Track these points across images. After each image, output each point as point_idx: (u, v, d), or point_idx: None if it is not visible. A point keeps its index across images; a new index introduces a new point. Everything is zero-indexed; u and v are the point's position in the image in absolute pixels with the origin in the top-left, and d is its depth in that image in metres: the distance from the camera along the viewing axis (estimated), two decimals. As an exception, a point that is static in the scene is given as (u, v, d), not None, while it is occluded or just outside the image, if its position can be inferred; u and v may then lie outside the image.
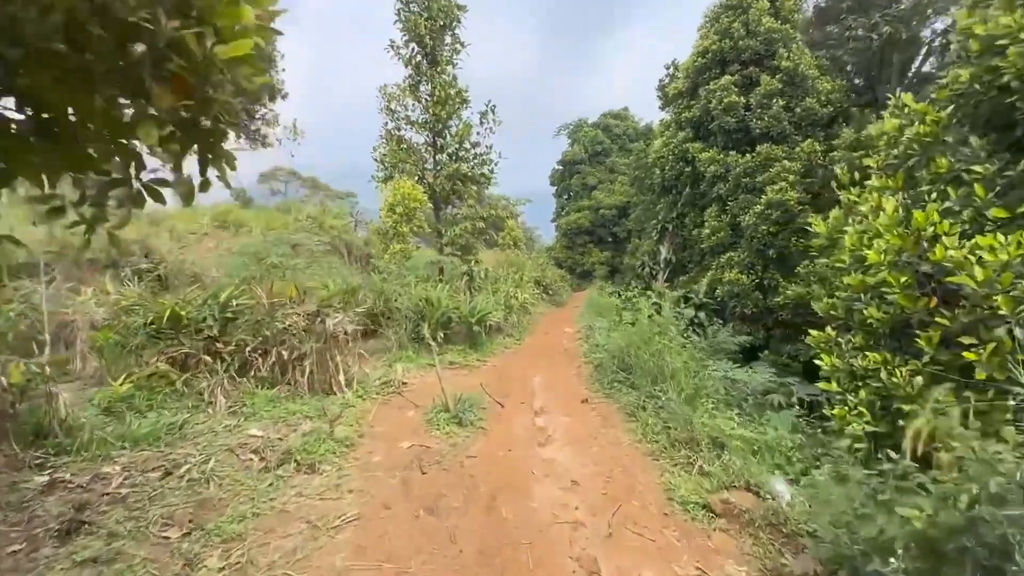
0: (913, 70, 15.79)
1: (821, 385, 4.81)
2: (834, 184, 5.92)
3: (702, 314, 9.34)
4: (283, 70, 24.06)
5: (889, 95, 5.67)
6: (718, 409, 6.09)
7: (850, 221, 5.11)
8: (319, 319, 6.47)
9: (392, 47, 15.41)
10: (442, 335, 9.10)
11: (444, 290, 10.06)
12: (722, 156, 15.58)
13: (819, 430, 5.43)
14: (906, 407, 3.87)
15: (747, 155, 14.93)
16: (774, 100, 14.49)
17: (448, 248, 15.53)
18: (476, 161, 16.03)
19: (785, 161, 14.24)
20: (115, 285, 7.40)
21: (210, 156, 2.33)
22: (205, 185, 2.44)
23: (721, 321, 11.44)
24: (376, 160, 15.43)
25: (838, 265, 5.24)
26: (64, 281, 7.19)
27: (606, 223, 40.67)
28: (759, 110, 14.72)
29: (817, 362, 4.92)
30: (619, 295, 18.80)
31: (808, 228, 6.26)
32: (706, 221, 16.24)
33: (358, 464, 4.78)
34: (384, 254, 11.83)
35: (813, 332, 5.13)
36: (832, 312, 5.15)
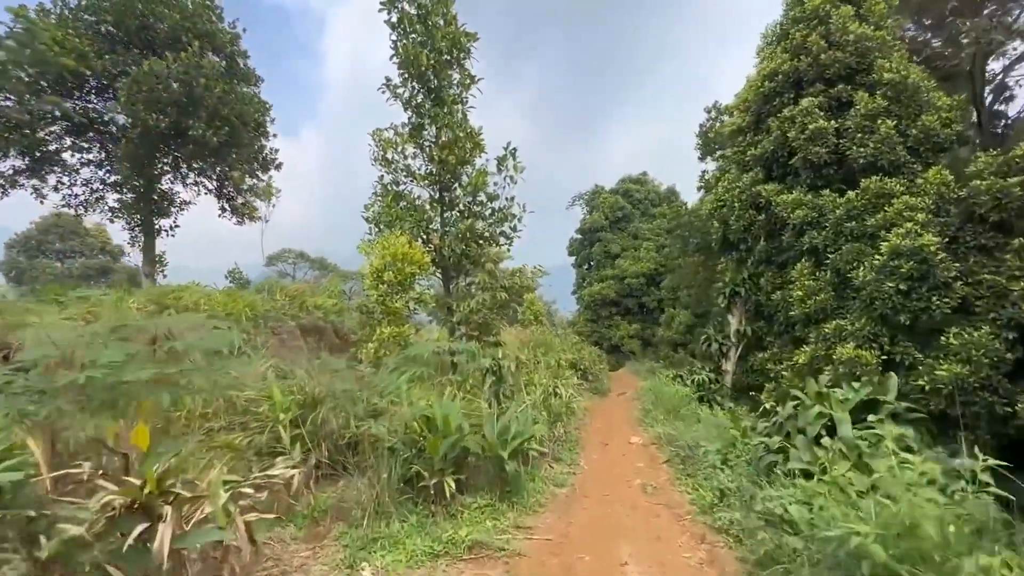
0: None
1: None
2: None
3: (909, 431, 5.37)
4: (274, 135, 21.79)
5: None
6: None
7: None
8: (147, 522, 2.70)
9: (388, 87, 12.57)
10: (453, 481, 5.20)
11: (456, 398, 6.25)
12: (811, 197, 12.09)
13: None
14: None
15: (848, 194, 11.43)
16: (879, 121, 11.17)
17: (461, 327, 11.90)
18: (495, 218, 12.71)
19: (906, 196, 10.69)
20: None
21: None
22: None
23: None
24: (368, 221, 12.17)
25: None
26: None
27: (633, 292, 37.25)
28: (860, 135, 11.36)
29: None
30: (682, 379, 14.75)
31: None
32: (794, 281, 12.49)
33: None
34: (369, 341, 8.21)
35: None
36: None
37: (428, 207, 12.69)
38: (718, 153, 18.64)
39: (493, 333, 12.51)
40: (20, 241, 37.12)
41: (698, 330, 26.31)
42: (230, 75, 19.47)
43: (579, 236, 42.12)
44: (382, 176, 12.76)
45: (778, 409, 6.31)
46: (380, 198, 12.30)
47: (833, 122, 11.83)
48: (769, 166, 13.51)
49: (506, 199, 12.69)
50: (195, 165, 18.66)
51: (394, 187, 12.75)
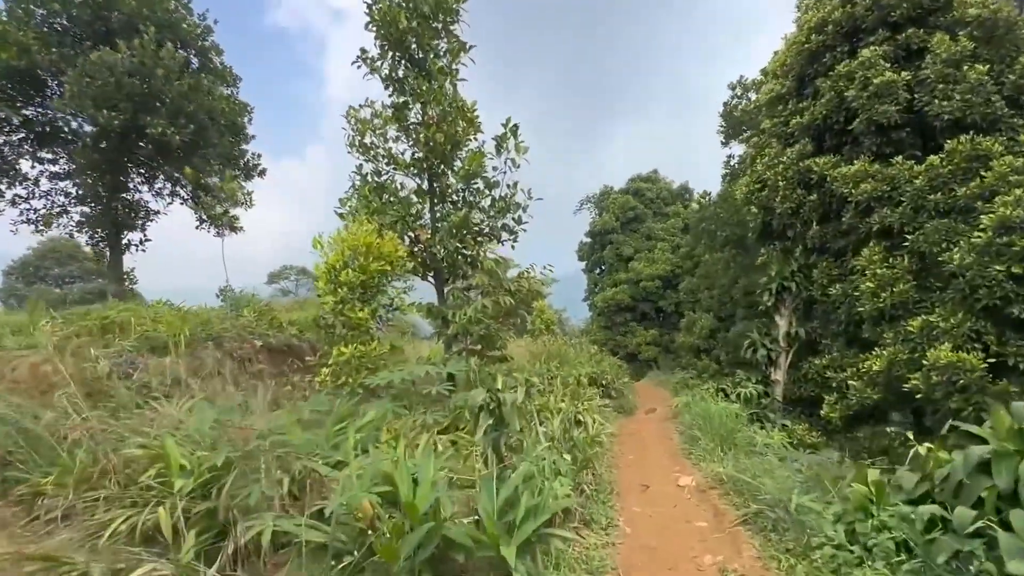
0: None
1: None
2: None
3: None
4: (253, 137, 19.94)
5: None
6: None
7: None
8: None
9: (363, 59, 10.59)
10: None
11: (438, 450, 4.12)
12: (879, 168, 9.91)
13: None
14: None
15: (929, 159, 9.24)
16: (965, 68, 9.00)
17: (458, 342, 9.80)
18: (495, 208, 10.62)
19: (1008, 157, 8.50)
20: None
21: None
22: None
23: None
24: (343, 218, 10.10)
25: None
26: None
27: (649, 296, 35.14)
28: (941, 86, 9.19)
29: None
30: (725, 392, 12.49)
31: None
32: (860, 270, 10.27)
33: None
34: (327, 363, 6.09)
35: None
36: None
37: (415, 198, 10.64)
38: (747, 134, 16.49)
39: (498, 347, 10.40)
40: (18, 267, 36.06)
41: (721, 335, 24.02)
42: (201, 71, 17.67)
43: (589, 239, 40.08)
44: (360, 165, 10.72)
45: (943, 455, 4.08)
46: (357, 190, 10.27)
47: (904, 73, 9.67)
48: (820, 135, 11.34)
49: (508, 186, 10.61)
50: (161, 169, 16.69)
51: (375, 177, 10.71)
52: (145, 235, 18.45)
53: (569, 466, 5.18)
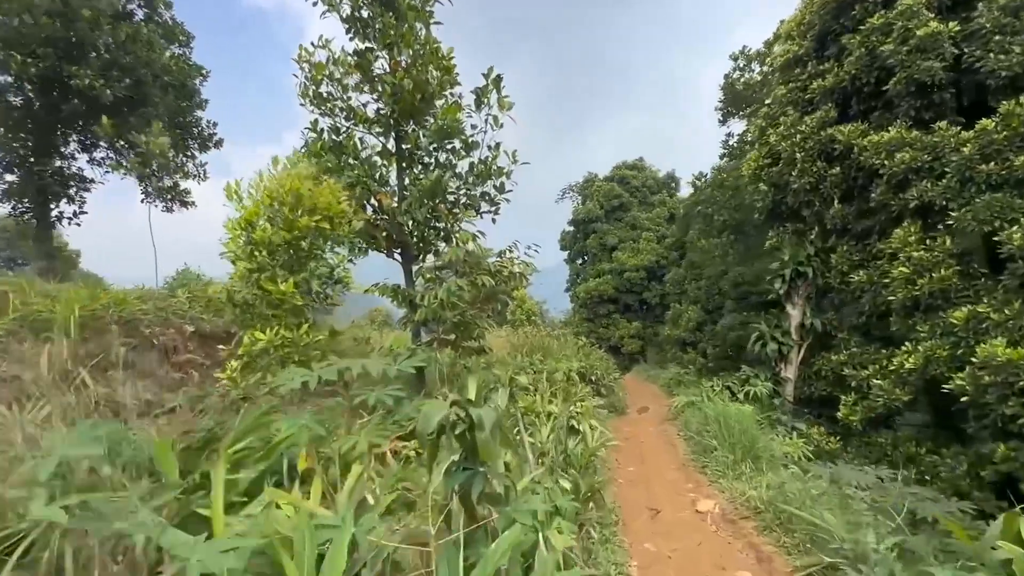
0: None
1: None
2: None
3: None
4: (206, 101, 17.96)
5: None
6: None
7: None
8: None
9: (319, -7, 8.85)
10: None
11: (351, 512, 2.56)
12: (918, 134, 8.59)
13: None
14: None
15: (981, 122, 7.93)
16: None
17: (430, 330, 8.26)
18: (473, 173, 9.03)
19: (1078, 121, 7.23)
20: None
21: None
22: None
23: None
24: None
25: None
26: None
27: (634, 288, 33.94)
28: (997, 37, 7.87)
29: None
30: (731, 391, 11.14)
31: None
32: (888, 254, 8.98)
33: None
34: (238, 353, 4.44)
35: None
36: None
37: (380, 160, 8.99)
38: (750, 108, 15.13)
39: (475, 336, 8.88)
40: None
41: (709, 327, 22.87)
42: (148, 23, 15.65)
43: (572, 228, 38.69)
44: (315, 121, 8.99)
45: None
46: (308, 147, 8.58)
47: (952, 24, 8.34)
48: (845, 100, 9.99)
49: (488, 148, 9.01)
50: (90, 130, 14.58)
51: (333, 135, 9.01)
52: (80, 207, 16.40)
53: (569, 501, 3.67)
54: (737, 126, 16.67)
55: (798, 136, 10.33)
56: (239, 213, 4.63)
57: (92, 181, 16.02)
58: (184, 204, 18.41)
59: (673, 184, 38.23)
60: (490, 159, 8.95)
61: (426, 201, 8.58)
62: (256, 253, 4.53)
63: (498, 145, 8.93)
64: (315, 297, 4.94)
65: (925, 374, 8.45)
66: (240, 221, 4.60)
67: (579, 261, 38.40)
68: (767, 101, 11.57)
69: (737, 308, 18.35)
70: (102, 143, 15.94)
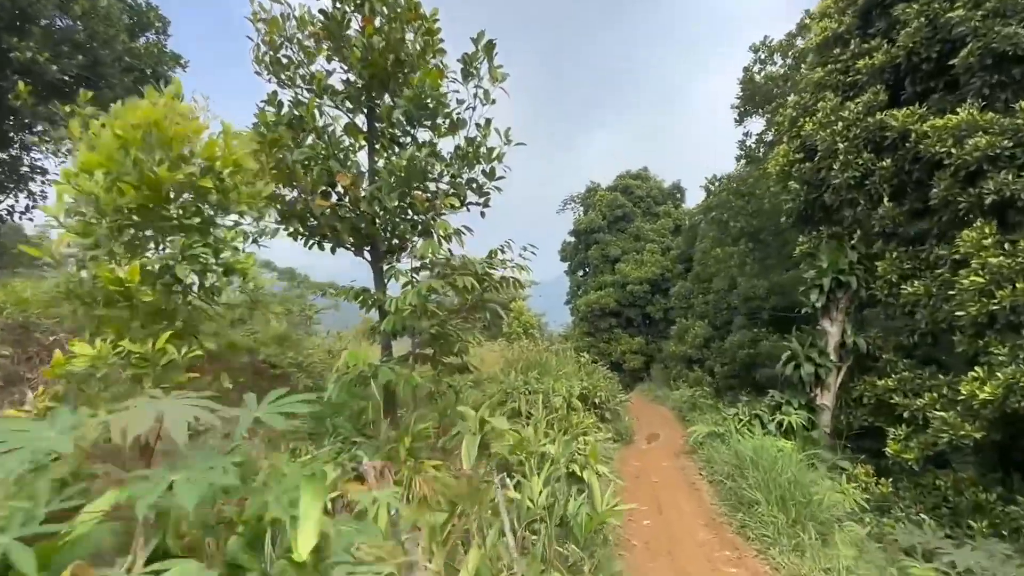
0: None
1: None
2: None
3: None
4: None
5: None
6: None
7: None
8: None
9: (281, -58, 7.41)
10: None
11: None
12: (994, 117, 7.13)
13: None
14: None
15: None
16: None
17: (417, 344, 6.78)
18: (458, 155, 7.53)
19: None
20: None
21: None
22: None
23: None
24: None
25: None
26: None
27: (637, 301, 32.55)
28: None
29: None
30: (760, 420, 9.52)
31: None
32: (962, 260, 7.47)
33: None
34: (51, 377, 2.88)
35: None
36: None
37: (346, 136, 7.51)
38: (773, 104, 13.71)
39: (456, 351, 7.36)
40: None
41: (716, 344, 21.32)
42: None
43: (573, 238, 37.41)
44: (274, 93, 7.49)
45: None
46: (257, 119, 7.09)
47: (1038, -17, 6.93)
48: (898, 80, 8.53)
49: (477, 126, 7.51)
50: (39, 110, 13.09)
51: (294, 109, 7.51)
52: (34, 200, 14.90)
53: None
54: (755, 125, 15.30)
55: (840, 124, 8.86)
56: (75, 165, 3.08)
57: (45, 172, 14.53)
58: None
59: (678, 194, 37.02)
60: (479, 139, 7.45)
61: (398, 187, 7.07)
62: (92, 221, 2.98)
63: (488, 122, 7.43)
64: (193, 291, 3.38)
65: (1006, 406, 6.90)
66: (69, 172, 3.03)
67: (580, 273, 37.12)
68: (800, 87, 10.14)
69: (748, 324, 16.91)
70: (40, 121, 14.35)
